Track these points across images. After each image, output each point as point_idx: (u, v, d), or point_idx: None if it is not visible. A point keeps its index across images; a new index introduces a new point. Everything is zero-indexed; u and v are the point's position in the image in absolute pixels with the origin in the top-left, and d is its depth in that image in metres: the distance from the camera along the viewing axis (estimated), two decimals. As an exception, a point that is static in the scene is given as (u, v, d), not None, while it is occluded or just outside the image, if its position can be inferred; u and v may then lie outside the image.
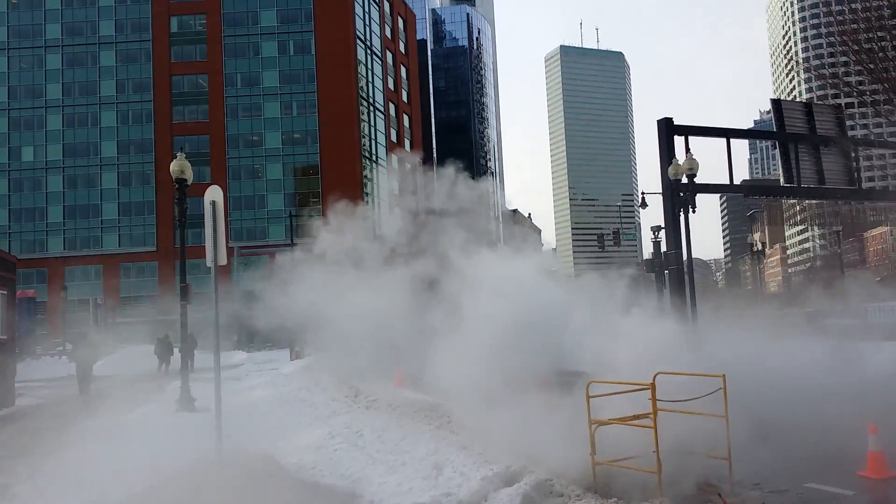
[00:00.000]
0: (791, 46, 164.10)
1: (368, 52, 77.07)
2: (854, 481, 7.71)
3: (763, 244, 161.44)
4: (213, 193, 9.59)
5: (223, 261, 9.52)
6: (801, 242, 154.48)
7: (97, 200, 72.78)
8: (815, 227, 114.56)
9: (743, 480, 7.87)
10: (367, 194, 71.98)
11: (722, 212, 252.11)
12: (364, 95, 74.79)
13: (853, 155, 27.74)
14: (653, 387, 7.14)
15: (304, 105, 72.59)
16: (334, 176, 68.95)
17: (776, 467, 8.73)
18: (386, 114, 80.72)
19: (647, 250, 44.98)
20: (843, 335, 23.58)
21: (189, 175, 16.93)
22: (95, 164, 72.97)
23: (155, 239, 71.03)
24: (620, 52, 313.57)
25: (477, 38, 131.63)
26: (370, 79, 76.93)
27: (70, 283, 64.14)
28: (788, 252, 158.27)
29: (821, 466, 8.64)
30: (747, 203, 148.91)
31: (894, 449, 7.99)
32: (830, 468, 8.41)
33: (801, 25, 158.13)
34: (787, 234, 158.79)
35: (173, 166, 16.79)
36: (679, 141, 26.58)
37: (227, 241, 9.93)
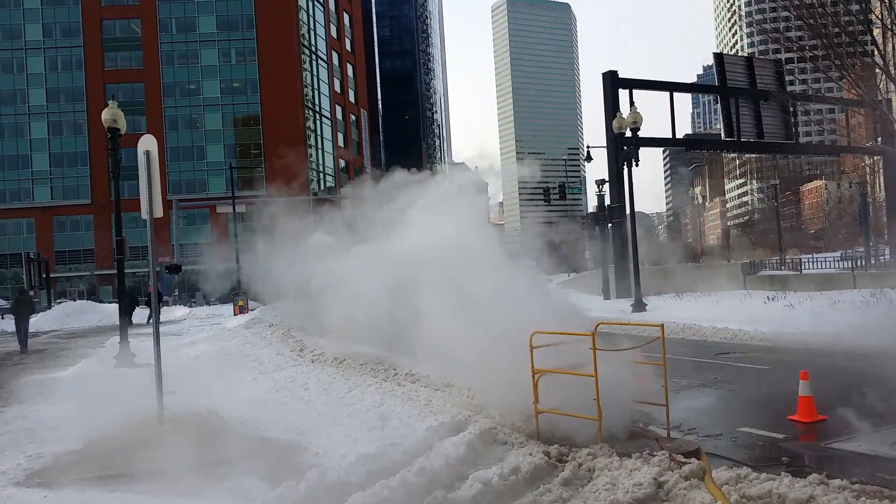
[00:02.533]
0: (734, 1, 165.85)
1: (310, -4, 74.70)
2: (785, 425, 8.00)
3: (704, 197, 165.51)
4: (147, 143, 9.27)
5: (159, 213, 9.27)
6: (740, 196, 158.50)
7: (26, 151, 69.71)
8: (754, 181, 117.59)
9: (680, 425, 8.13)
10: (310, 146, 70.65)
11: (665, 166, 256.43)
12: (306, 43, 72.72)
13: (791, 109, 28.45)
14: (594, 336, 7.24)
15: (242, 52, 70.26)
16: (276, 127, 67.45)
17: (711, 413, 9.04)
18: (329, 63, 78.75)
19: (592, 204, 45.49)
20: (778, 285, 24.48)
21: (122, 124, 16.27)
22: (23, 112, 69.67)
23: (90, 191, 68.64)
24: (567, 4, 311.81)
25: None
26: (312, 26, 74.70)
27: (0, 237, 61.76)
28: (728, 205, 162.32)
29: (754, 412, 8.97)
30: (689, 157, 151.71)
31: (823, 394, 8.35)
32: (763, 413, 8.73)
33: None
34: (726, 187, 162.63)
35: (105, 115, 16.09)
36: (624, 95, 26.83)
37: (164, 194, 9.65)
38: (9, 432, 9.59)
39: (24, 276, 42.15)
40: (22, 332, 21.38)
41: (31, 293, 31.11)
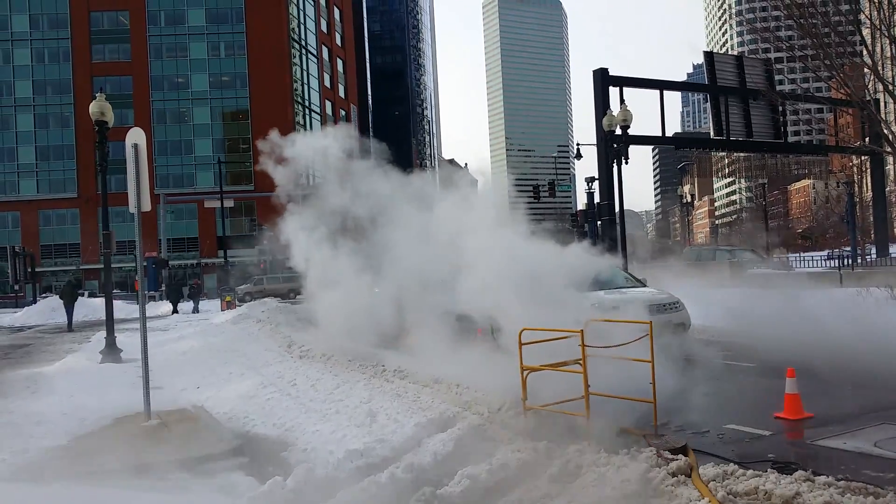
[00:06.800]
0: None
1: (299, -10, 74.38)
2: (771, 422, 8.04)
3: (692, 196, 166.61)
4: (135, 136, 9.22)
5: (147, 207, 9.21)
6: (728, 195, 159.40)
7: (12, 143, 69.12)
8: (743, 180, 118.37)
9: (667, 422, 8.15)
10: (299, 141, 70.30)
11: (654, 164, 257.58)
12: (295, 37, 72.42)
13: (780, 109, 28.60)
14: (582, 334, 7.26)
15: (232, 46, 69.88)
16: (265, 121, 66.94)
17: (699, 410, 9.06)
18: (319, 58, 78.47)
19: (582, 201, 45.69)
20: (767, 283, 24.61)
21: (110, 117, 16.15)
22: (9, 104, 69.07)
23: (76, 185, 68.15)
24: (558, 1, 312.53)
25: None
26: (302, 20, 74.38)
27: (-15, 230, 61.34)
28: (716, 204, 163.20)
29: (741, 409, 9.00)
30: (678, 155, 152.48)
31: (810, 391, 8.39)
32: (750, 410, 8.77)
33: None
34: (715, 186, 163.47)
35: (92, 108, 15.98)
36: (614, 93, 26.89)
37: (152, 188, 9.60)
38: (-6, 427, 9.49)
39: (8, 271, 41.89)
40: (69, 315, 26.93)
41: (76, 283, 34.40)
